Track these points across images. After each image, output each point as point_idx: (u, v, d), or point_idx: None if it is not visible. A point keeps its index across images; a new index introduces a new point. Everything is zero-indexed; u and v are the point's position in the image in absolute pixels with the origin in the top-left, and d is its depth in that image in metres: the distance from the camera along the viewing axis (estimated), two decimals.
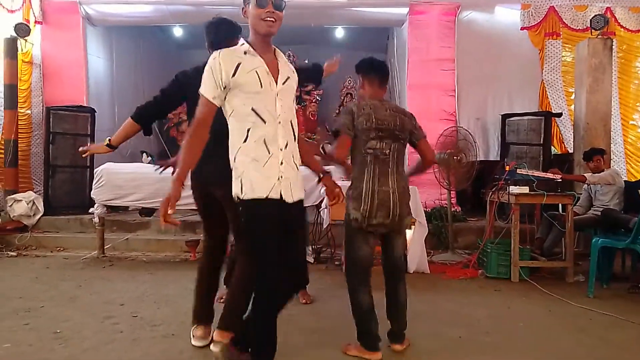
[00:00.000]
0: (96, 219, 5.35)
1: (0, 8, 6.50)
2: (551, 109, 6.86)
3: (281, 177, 2.07)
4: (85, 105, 7.17)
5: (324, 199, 4.72)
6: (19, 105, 6.64)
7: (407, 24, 7.20)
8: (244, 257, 2.61)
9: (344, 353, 2.79)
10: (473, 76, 7.03)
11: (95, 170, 5.47)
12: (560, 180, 4.83)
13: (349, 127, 2.74)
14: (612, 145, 6.28)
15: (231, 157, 2.11)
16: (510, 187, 4.65)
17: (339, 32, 8.64)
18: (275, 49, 2.18)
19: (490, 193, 5.01)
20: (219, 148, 2.18)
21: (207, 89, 2.06)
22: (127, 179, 5.27)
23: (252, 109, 2.04)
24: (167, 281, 4.47)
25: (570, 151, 6.58)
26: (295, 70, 2.25)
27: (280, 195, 2.07)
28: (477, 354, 2.88)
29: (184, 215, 6.42)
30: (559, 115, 6.78)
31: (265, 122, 2.05)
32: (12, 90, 6.52)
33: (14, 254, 5.60)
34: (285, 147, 2.10)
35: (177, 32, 9.18)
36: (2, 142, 6.54)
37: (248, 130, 2.05)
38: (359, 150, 2.78)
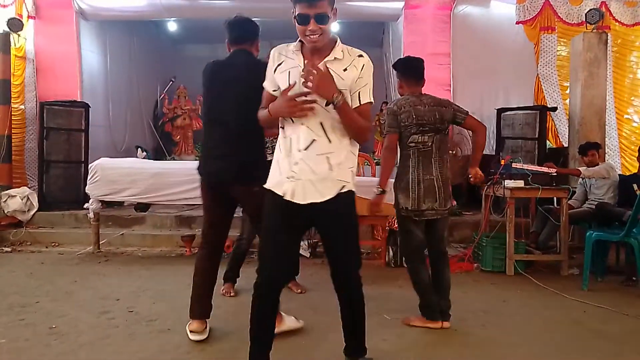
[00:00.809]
0: (91, 215, 5.33)
1: None
2: (546, 103, 6.87)
3: (292, 177, 2.06)
4: (79, 100, 7.14)
5: None
6: (12, 101, 6.59)
7: (402, 18, 7.19)
8: None
9: (406, 325, 3.14)
10: (468, 70, 7.03)
11: (90, 166, 5.45)
12: (555, 174, 4.85)
13: (393, 125, 3.07)
14: (606, 139, 6.30)
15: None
16: (506, 181, 4.66)
17: (334, 27, 8.52)
18: (334, 48, 2.07)
19: (486, 187, 5.02)
20: (233, 145, 2.18)
21: (268, 82, 2.18)
22: (122, 174, 5.24)
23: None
24: (163, 276, 4.46)
25: (565, 145, 6.59)
26: (359, 67, 2.09)
27: (285, 194, 2.07)
28: (472, 347, 2.89)
29: (179, 210, 6.42)
30: (554, 109, 6.79)
31: (292, 122, 2.08)
32: (5, 85, 6.48)
33: (8, 249, 5.57)
34: (307, 148, 2.05)
35: (171, 26, 9.15)
36: None
37: (284, 128, 2.13)
38: (403, 144, 3.06)
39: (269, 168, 2.19)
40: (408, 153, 3.06)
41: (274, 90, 2.13)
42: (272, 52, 2.15)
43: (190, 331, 2.90)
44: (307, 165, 2.05)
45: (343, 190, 2.10)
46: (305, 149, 2.05)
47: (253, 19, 2.96)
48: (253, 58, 2.89)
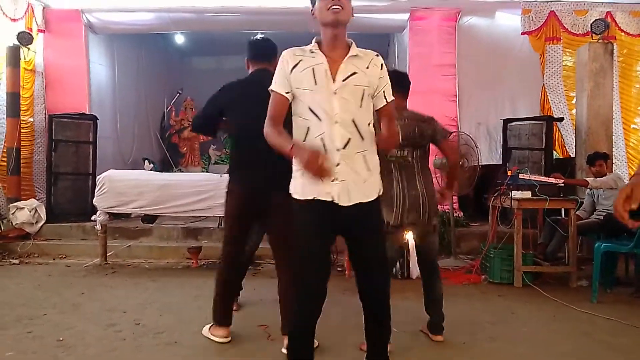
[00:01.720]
0: (98, 226, 5.35)
1: (3, 17, 6.53)
2: (552, 113, 6.86)
3: (335, 179, 1.97)
4: (87, 112, 7.19)
5: None
6: (21, 113, 6.66)
7: (407, 29, 7.22)
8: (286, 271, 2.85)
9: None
10: (474, 81, 7.03)
11: (97, 178, 5.48)
12: (562, 184, 4.83)
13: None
14: (614, 149, 6.27)
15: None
16: (513, 192, 4.65)
17: None
18: (351, 46, 2.07)
19: (493, 198, 5.00)
20: (269, 157, 2.22)
21: (278, 85, 2.08)
22: (130, 186, 5.27)
23: (309, 108, 2.02)
24: (170, 288, 4.46)
25: (572, 156, 6.57)
26: (379, 65, 2.11)
27: (332, 197, 1.98)
28: None
29: (186, 222, 6.44)
30: (561, 119, 6.78)
31: (321, 120, 2.00)
32: (14, 98, 6.55)
33: (16, 261, 5.60)
34: (345, 147, 1.98)
35: (179, 39, 9.24)
36: (5, 150, 6.55)
37: (308, 129, 2.03)
38: (383, 158, 2.86)
39: None
40: (390, 168, 2.96)
41: (287, 92, 2.05)
42: (284, 54, 2.10)
43: (217, 335, 3.09)
44: (349, 164, 2.00)
45: (380, 193, 2.11)
46: (344, 148, 1.99)
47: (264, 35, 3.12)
48: None
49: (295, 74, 2.04)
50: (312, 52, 2.06)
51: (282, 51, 2.14)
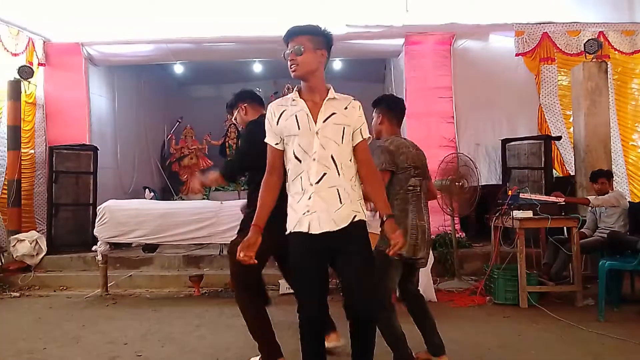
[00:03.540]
0: (99, 257, 5.31)
1: (4, 52, 6.62)
2: (550, 132, 6.89)
3: (307, 211, 2.17)
4: (87, 143, 7.23)
5: None
6: (22, 146, 6.69)
7: (403, 54, 7.31)
8: None
9: None
10: (471, 103, 7.09)
11: (98, 208, 5.47)
12: (563, 203, 4.81)
13: (390, 162, 2.88)
14: (613, 166, 6.27)
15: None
16: (514, 211, 4.63)
17: (336, 64, 8.77)
18: (329, 90, 2.26)
19: (494, 218, 4.98)
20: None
21: (269, 137, 2.30)
22: (130, 215, 5.25)
23: (293, 152, 2.22)
24: (172, 318, 4.41)
25: (572, 174, 6.57)
26: (357, 108, 2.28)
27: (308, 226, 2.17)
28: None
29: (187, 250, 6.40)
30: (559, 138, 6.80)
31: (300, 162, 2.20)
32: (15, 131, 6.59)
33: (17, 294, 5.55)
34: (318, 182, 2.17)
35: (178, 69, 9.33)
36: (6, 183, 6.56)
37: (289, 170, 2.26)
38: (401, 187, 2.91)
39: None
40: (406, 197, 2.89)
41: (276, 144, 2.27)
42: (269, 107, 2.31)
43: None
44: (319, 197, 2.17)
45: (355, 219, 2.22)
46: (317, 182, 2.17)
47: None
48: None
49: (282, 123, 2.24)
50: (293, 101, 2.25)
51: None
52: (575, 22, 7.02)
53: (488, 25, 7.13)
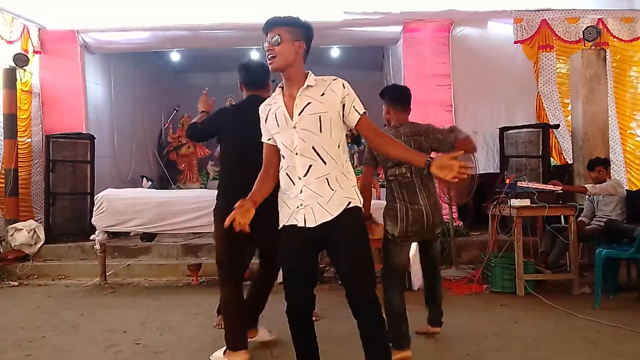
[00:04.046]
0: (97, 246, 5.32)
1: None
2: (548, 120, 6.88)
3: (300, 205, 2.17)
4: (84, 132, 7.20)
5: None
6: (19, 134, 6.66)
7: (401, 41, 7.26)
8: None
9: None
10: (469, 91, 7.07)
11: (95, 197, 5.46)
12: (561, 191, 4.82)
13: (369, 158, 3.17)
14: (611, 154, 6.27)
15: None
16: (511, 200, 4.64)
17: (334, 52, 8.73)
18: (307, 77, 2.20)
19: (492, 207, 4.99)
20: None
21: (263, 134, 2.33)
22: (128, 204, 5.25)
23: (279, 148, 2.26)
24: (170, 306, 4.43)
25: (570, 162, 6.58)
26: (339, 87, 2.19)
27: (304, 220, 2.17)
28: None
29: (185, 239, 6.41)
30: (557, 126, 6.80)
31: (284, 157, 2.23)
32: (11, 119, 6.55)
33: (15, 283, 5.56)
34: (306, 174, 2.17)
35: (174, 56, 9.27)
36: (3, 172, 6.54)
37: (281, 167, 2.27)
38: (386, 177, 3.13)
39: None
40: (390, 185, 3.11)
41: (269, 140, 2.30)
42: (260, 108, 2.33)
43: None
44: (310, 189, 2.16)
45: (349, 206, 2.21)
46: (305, 175, 2.17)
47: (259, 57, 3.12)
48: None
49: (267, 123, 2.28)
50: (274, 98, 2.28)
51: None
52: (574, 9, 6.98)
53: (487, 12, 7.09)
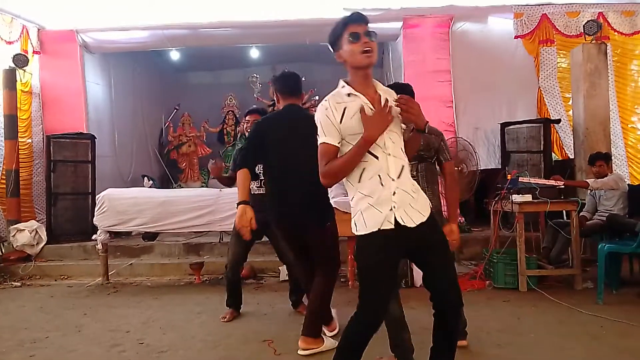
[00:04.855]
0: (99, 246, 5.33)
1: None
2: (549, 115, 6.86)
3: (394, 207, 2.03)
4: (85, 132, 7.20)
5: None
6: (19, 135, 6.66)
7: (401, 37, 7.24)
8: (325, 277, 3.23)
9: None
10: (470, 86, 7.04)
11: (97, 197, 5.46)
12: (562, 186, 4.81)
13: None
14: (613, 148, 6.26)
15: (349, 198, 2.15)
16: (513, 195, 4.63)
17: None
18: (375, 83, 2.16)
19: (493, 202, 4.98)
20: (309, 192, 2.91)
21: (329, 136, 2.06)
22: (129, 204, 5.25)
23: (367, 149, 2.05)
24: (173, 305, 4.43)
25: (571, 157, 6.56)
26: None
27: (397, 222, 2.03)
28: None
29: (187, 238, 6.42)
30: (558, 121, 6.78)
31: (377, 159, 2.05)
32: (12, 120, 6.55)
33: (18, 284, 5.57)
34: (399, 176, 2.07)
35: (174, 55, 9.24)
36: (4, 173, 6.54)
37: (363, 170, 2.07)
38: None
39: None
40: None
41: (339, 142, 2.07)
42: (326, 104, 2.10)
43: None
44: (403, 191, 2.07)
45: (431, 207, 2.19)
46: (399, 177, 2.07)
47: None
48: (306, 111, 3.57)
49: (346, 123, 2.05)
50: (349, 96, 2.09)
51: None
52: (574, 3, 6.95)
53: (487, 7, 7.06)
